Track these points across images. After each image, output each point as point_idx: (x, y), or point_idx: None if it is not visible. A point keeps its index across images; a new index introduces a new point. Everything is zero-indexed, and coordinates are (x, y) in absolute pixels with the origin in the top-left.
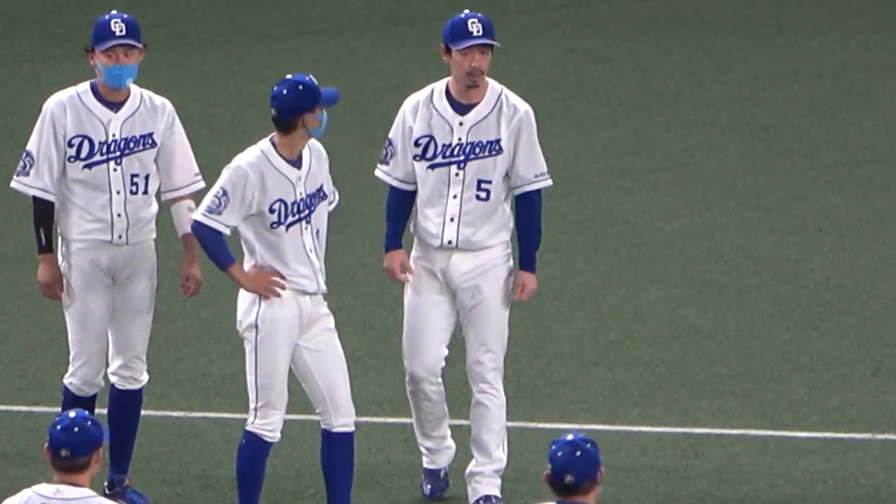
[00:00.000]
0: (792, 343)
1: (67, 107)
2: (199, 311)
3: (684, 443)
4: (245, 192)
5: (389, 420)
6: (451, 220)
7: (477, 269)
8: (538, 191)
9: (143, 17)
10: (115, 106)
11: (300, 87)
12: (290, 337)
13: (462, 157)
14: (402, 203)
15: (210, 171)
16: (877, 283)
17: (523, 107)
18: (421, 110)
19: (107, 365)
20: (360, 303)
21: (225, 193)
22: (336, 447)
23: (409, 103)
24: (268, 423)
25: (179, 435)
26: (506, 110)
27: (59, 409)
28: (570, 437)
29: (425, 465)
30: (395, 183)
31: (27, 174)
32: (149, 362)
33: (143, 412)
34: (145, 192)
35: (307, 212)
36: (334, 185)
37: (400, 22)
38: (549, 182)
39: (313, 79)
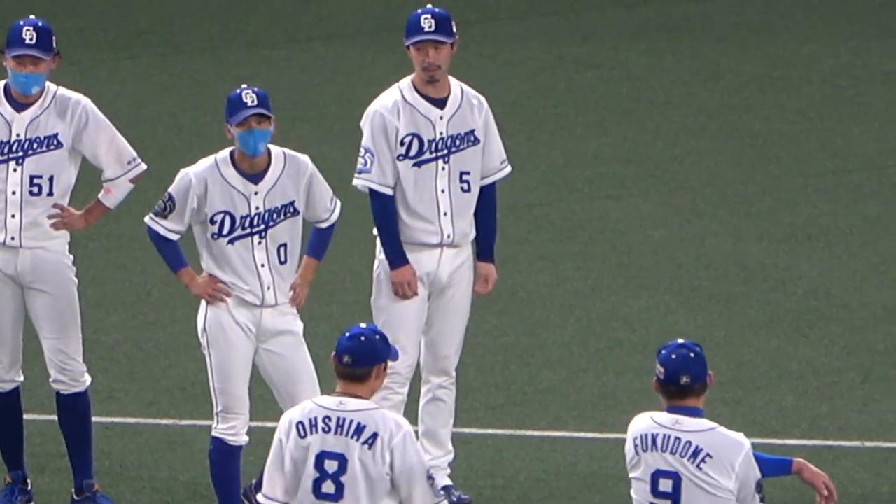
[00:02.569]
0: (781, 350)
1: None
2: (189, 319)
3: None
4: (188, 199)
5: None
6: (445, 214)
7: (461, 267)
8: (496, 181)
9: (134, 24)
10: (22, 106)
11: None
12: (240, 343)
13: (445, 151)
14: (389, 211)
15: None
16: (866, 290)
17: (482, 98)
18: (401, 109)
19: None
20: (349, 311)
21: (171, 198)
22: None
23: (382, 105)
24: (229, 428)
25: (168, 442)
26: (474, 102)
27: (51, 417)
28: (679, 340)
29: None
30: (382, 189)
31: None
32: (137, 369)
33: (131, 420)
34: (50, 194)
35: (262, 227)
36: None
37: (390, 29)
38: (510, 169)
39: (245, 92)
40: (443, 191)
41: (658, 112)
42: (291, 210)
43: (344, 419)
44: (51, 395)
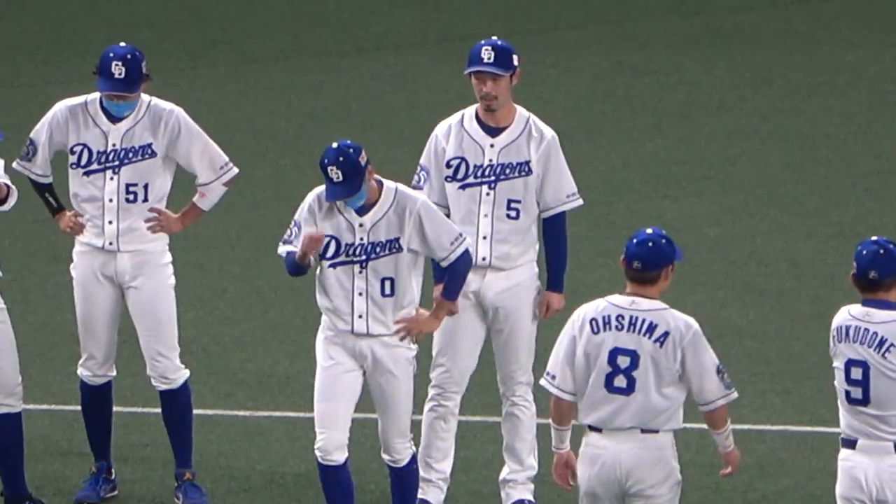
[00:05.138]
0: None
1: (70, 115)
2: (265, 314)
3: None
4: (308, 221)
5: None
6: (484, 238)
7: (510, 290)
8: (565, 212)
9: (210, 34)
10: (117, 118)
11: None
12: (333, 364)
13: (493, 178)
14: None
15: (275, 181)
16: None
17: (549, 132)
18: (453, 133)
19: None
20: None
21: (296, 224)
22: (392, 472)
23: (440, 128)
24: (317, 442)
25: (245, 433)
26: (535, 135)
27: (134, 409)
28: (874, 237)
29: (420, 495)
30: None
31: (28, 160)
32: (215, 363)
33: (210, 411)
34: (145, 201)
35: (364, 257)
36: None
37: (455, 38)
38: (580, 201)
39: (330, 168)
40: (485, 215)
41: (712, 116)
42: (396, 246)
43: (636, 318)
44: (134, 387)
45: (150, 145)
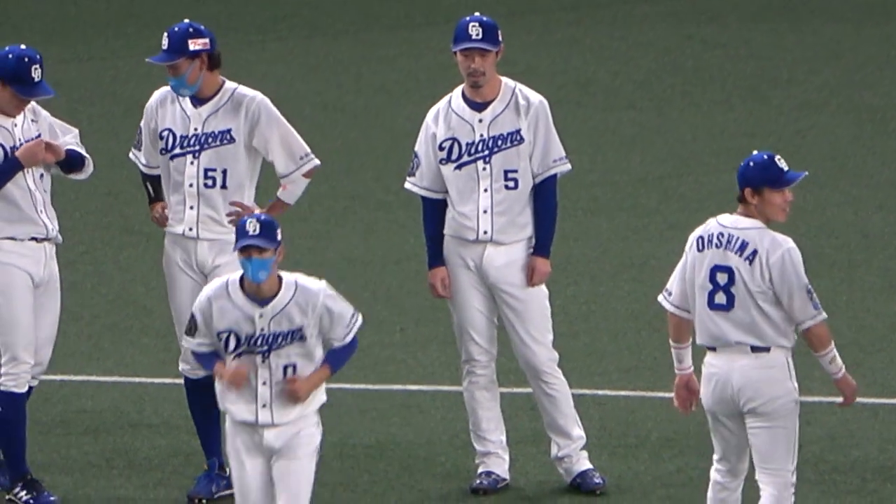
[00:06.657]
0: None
1: (159, 101)
2: (336, 286)
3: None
4: (206, 318)
5: (515, 390)
6: (485, 211)
7: (510, 266)
8: (555, 177)
9: (280, 7)
10: (201, 102)
11: None
12: (243, 472)
13: (486, 152)
14: (434, 215)
15: (345, 154)
16: None
17: (537, 98)
18: (441, 116)
19: None
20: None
21: (193, 318)
22: None
23: (430, 113)
24: None
25: None
26: (522, 102)
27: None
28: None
29: (482, 468)
30: (423, 192)
31: (138, 149)
32: None
33: None
34: (223, 187)
35: (266, 348)
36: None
37: (525, 12)
38: (569, 166)
39: (249, 221)
40: (485, 190)
41: (781, 89)
42: (299, 336)
43: (732, 235)
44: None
45: (229, 131)
